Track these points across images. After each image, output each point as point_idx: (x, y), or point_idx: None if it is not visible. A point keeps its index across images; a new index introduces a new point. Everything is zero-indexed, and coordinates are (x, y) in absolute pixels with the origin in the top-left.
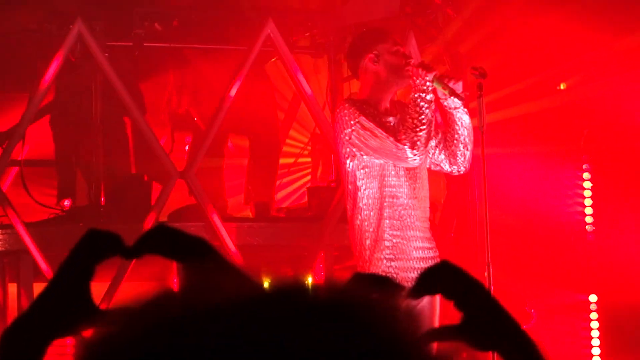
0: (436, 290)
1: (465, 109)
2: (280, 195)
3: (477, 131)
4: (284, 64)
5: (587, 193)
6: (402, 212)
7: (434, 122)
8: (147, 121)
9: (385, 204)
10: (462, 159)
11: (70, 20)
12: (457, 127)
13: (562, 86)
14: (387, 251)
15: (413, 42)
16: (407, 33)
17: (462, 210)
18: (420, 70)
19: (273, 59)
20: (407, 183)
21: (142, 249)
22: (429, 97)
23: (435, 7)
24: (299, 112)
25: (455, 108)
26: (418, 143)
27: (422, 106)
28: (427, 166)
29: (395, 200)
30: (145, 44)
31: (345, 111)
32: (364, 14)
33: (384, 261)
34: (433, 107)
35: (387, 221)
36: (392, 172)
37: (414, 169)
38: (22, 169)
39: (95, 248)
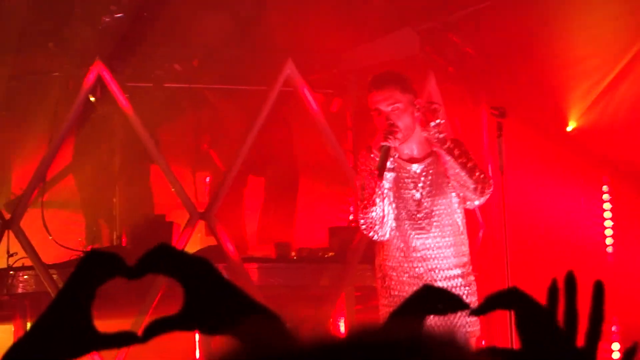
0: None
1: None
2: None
3: (497, 172)
4: (304, 104)
5: (607, 215)
6: None
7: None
8: (167, 162)
9: None
10: (470, 191)
11: (89, 61)
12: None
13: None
14: None
15: (433, 81)
16: (427, 72)
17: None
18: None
19: None
20: None
21: (144, 267)
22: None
23: (455, 46)
24: None
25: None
26: (361, 221)
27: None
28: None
29: None
30: (165, 85)
31: (360, 159)
32: (385, 53)
33: None
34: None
35: None
36: None
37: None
38: (43, 210)
39: (96, 269)
